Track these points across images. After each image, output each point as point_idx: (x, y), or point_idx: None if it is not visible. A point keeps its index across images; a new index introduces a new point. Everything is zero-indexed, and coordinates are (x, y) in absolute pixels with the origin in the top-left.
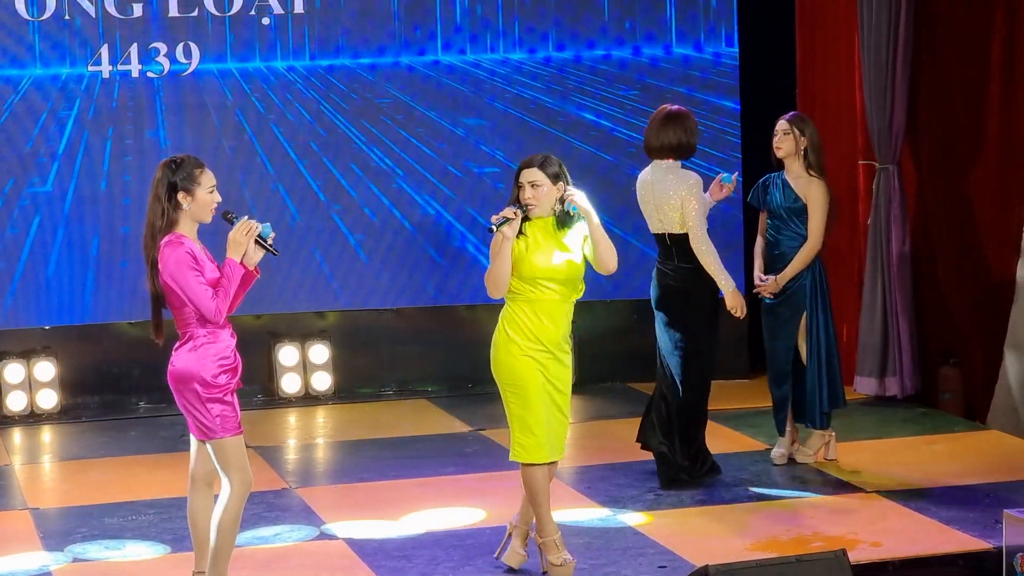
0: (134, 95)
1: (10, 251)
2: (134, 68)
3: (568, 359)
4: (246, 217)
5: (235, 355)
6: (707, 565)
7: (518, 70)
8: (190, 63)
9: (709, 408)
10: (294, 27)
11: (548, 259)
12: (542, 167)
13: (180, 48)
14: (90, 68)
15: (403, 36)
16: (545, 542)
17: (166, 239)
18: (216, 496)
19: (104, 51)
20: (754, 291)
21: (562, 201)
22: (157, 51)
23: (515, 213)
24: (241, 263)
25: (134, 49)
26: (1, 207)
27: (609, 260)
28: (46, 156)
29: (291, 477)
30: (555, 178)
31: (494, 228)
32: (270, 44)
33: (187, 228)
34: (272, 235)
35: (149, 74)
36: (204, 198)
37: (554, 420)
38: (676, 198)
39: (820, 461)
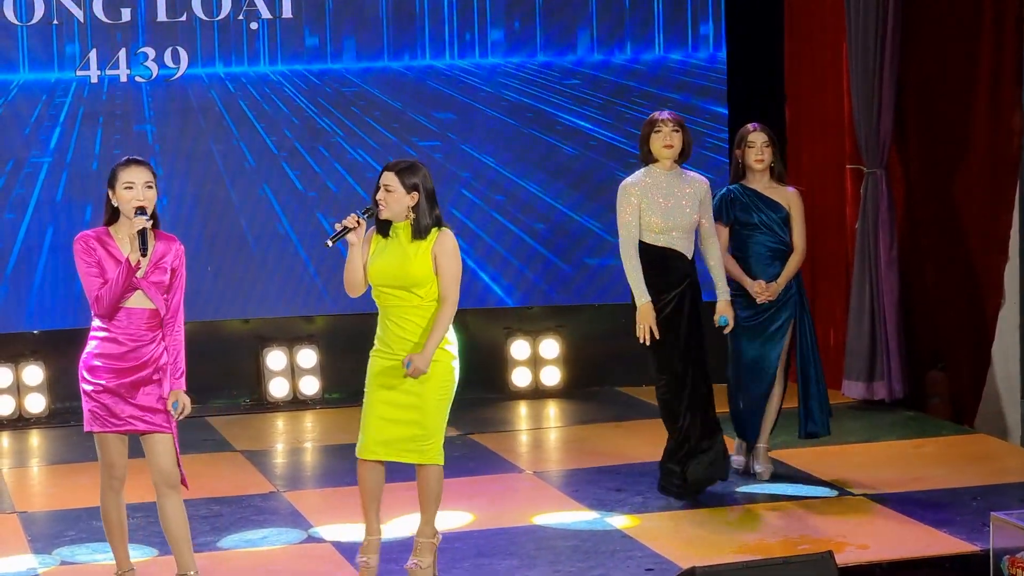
0: (122, 99)
1: None
2: (122, 73)
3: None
4: (143, 218)
5: (130, 358)
6: (693, 567)
7: (507, 75)
8: (178, 67)
9: None
10: (282, 32)
11: (388, 266)
12: (399, 173)
13: (168, 53)
14: (78, 73)
15: (392, 40)
16: (367, 540)
17: (79, 235)
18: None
19: (92, 55)
20: (758, 300)
21: None
22: (145, 56)
23: (358, 221)
24: (127, 259)
25: (122, 54)
26: None
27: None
28: (34, 160)
29: (279, 481)
30: (411, 188)
31: (330, 243)
32: (258, 49)
33: (123, 226)
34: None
35: (137, 78)
36: (121, 194)
37: (389, 421)
38: None
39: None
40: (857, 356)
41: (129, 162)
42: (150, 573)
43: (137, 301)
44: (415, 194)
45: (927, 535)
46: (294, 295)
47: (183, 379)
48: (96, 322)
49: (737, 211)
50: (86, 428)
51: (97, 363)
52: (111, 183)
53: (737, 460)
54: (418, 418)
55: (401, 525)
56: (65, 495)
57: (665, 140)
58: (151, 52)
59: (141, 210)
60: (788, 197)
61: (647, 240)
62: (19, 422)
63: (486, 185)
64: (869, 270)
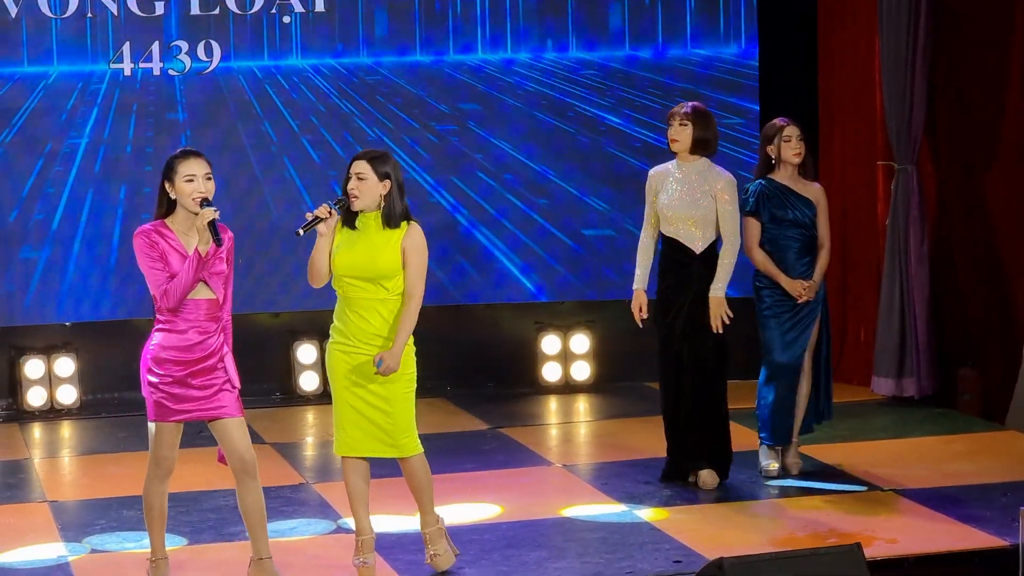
0: (155, 92)
1: (31, 247)
2: (155, 66)
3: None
4: (211, 208)
5: (197, 350)
6: (722, 557)
7: (537, 69)
8: (211, 61)
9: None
10: (315, 25)
11: (356, 257)
12: (371, 161)
13: (201, 46)
14: (112, 65)
15: (423, 35)
16: (360, 540)
17: (139, 228)
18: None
19: (126, 48)
20: (800, 299)
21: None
22: (179, 49)
23: (329, 212)
24: (196, 250)
25: (156, 47)
26: (22, 204)
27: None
28: (67, 153)
29: (308, 473)
30: (383, 176)
31: (300, 232)
32: (291, 42)
33: (181, 218)
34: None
35: (171, 72)
36: (182, 187)
37: (362, 418)
38: None
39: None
40: (887, 352)
41: (187, 154)
42: (180, 561)
43: (199, 292)
44: (387, 182)
45: (956, 530)
46: (325, 288)
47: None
48: (160, 315)
49: (773, 207)
50: (150, 418)
51: (165, 355)
52: (168, 175)
53: (766, 464)
54: (388, 412)
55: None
56: (96, 485)
57: (670, 134)
58: (184, 45)
59: (206, 201)
60: (815, 192)
61: (662, 230)
62: (50, 413)
63: (519, 180)
64: (899, 267)
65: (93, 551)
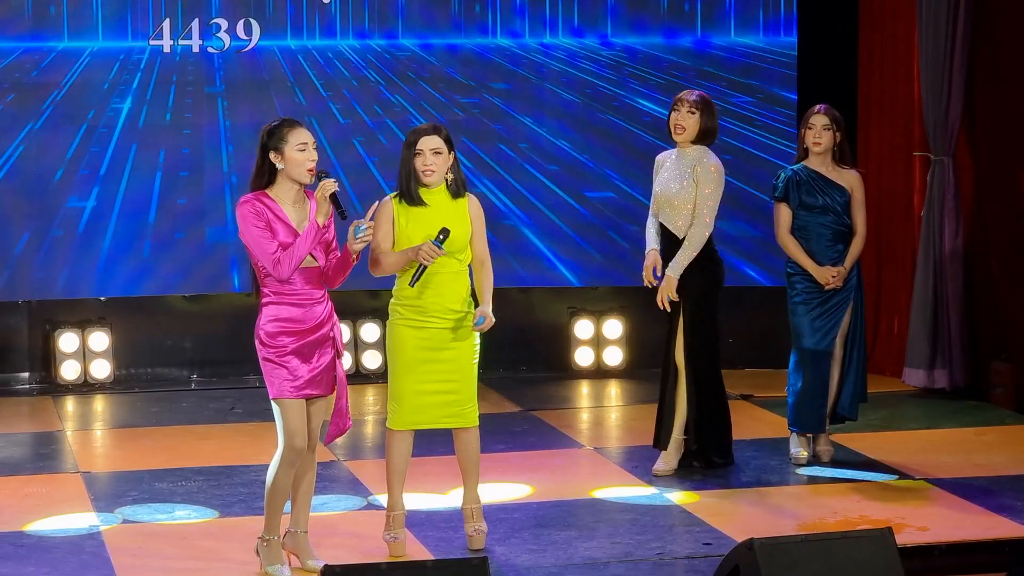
0: (194, 70)
1: (68, 222)
2: (195, 43)
3: (459, 327)
4: (332, 180)
5: (308, 318)
6: (752, 539)
7: (576, 55)
8: (250, 39)
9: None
10: (354, 5)
11: (424, 237)
12: (443, 135)
13: (241, 24)
14: (151, 42)
15: (462, 17)
16: (387, 515)
17: (242, 198)
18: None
19: (166, 25)
20: (827, 286)
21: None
22: (218, 27)
23: (438, 254)
24: (315, 221)
25: (195, 24)
26: (59, 179)
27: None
28: (105, 129)
29: (339, 451)
30: (451, 147)
31: (414, 284)
32: (330, 22)
33: (283, 188)
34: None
35: (210, 49)
36: (293, 156)
37: (430, 390)
38: None
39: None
40: (919, 344)
41: (294, 123)
42: (210, 533)
43: (308, 261)
44: (453, 153)
45: (987, 519)
46: (359, 270)
47: None
48: (266, 288)
49: (803, 193)
50: (272, 395)
51: (275, 328)
52: (275, 145)
53: (795, 452)
54: (457, 382)
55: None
56: (129, 457)
57: (675, 120)
58: (224, 23)
59: (324, 173)
60: (851, 180)
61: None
62: (84, 387)
63: (555, 165)
64: (933, 258)
65: (125, 521)
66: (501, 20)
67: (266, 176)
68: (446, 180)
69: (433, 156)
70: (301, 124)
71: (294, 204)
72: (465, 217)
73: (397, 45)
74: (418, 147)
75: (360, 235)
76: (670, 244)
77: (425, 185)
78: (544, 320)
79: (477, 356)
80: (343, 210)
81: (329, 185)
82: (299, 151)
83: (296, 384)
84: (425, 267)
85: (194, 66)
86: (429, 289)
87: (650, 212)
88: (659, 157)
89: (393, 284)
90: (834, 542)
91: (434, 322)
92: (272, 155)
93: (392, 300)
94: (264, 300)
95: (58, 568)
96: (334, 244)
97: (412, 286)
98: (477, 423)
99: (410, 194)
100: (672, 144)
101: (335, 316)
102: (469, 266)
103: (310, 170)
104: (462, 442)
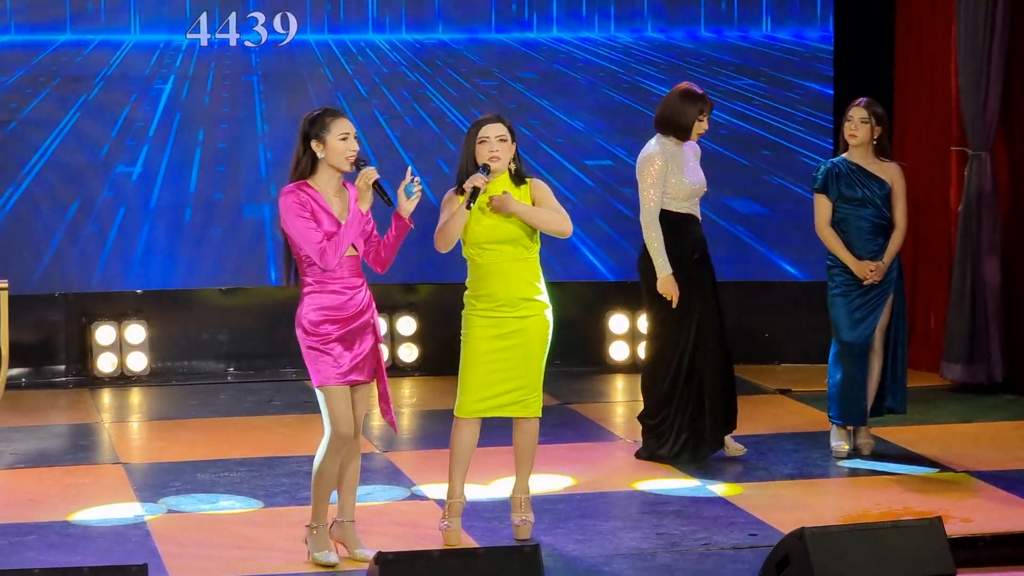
0: (231, 64)
1: (104, 216)
2: (232, 37)
3: (531, 316)
4: (373, 168)
5: (349, 306)
6: (803, 527)
7: (613, 50)
8: (287, 33)
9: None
10: (391, 0)
11: (496, 222)
12: (506, 123)
13: (278, 18)
14: (188, 36)
15: (499, 12)
16: (450, 503)
17: (284, 188)
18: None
19: (203, 19)
20: (866, 281)
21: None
22: (255, 20)
23: (485, 181)
24: (357, 208)
25: (232, 18)
26: (97, 172)
27: (555, 229)
28: (142, 123)
29: (378, 442)
30: (514, 136)
31: (470, 207)
32: (367, 16)
33: (324, 178)
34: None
35: (247, 43)
36: (335, 145)
37: (499, 379)
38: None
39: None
40: (957, 339)
41: (335, 112)
42: (255, 523)
43: (349, 249)
44: (515, 143)
45: None
46: (395, 263)
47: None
48: (307, 277)
49: (842, 186)
50: (316, 383)
51: (318, 316)
52: (317, 134)
53: (836, 446)
54: (524, 372)
55: (504, 487)
56: (168, 448)
57: (704, 128)
58: (261, 17)
59: (363, 161)
60: (891, 173)
61: (671, 208)
62: (120, 380)
63: (590, 159)
64: (971, 253)
65: (169, 511)
66: (538, 14)
67: (307, 165)
68: (509, 169)
69: (499, 143)
70: (343, 114)
71: (335, 194)
72: (528, 203)
73: (434, 39)
74: (483, 134)
75: (411, 195)
76: (699, 230)
77: (498, 169)
78: (578, 314)
79: (547, 346)
80: (387, 197)
81: (371, 173)
82: (341, 140)
83: (341, 371)
84: (476, 191)
85: (231, 60)
86: (496, 278)
87: (653, 213)
88: (657, 153)
89: (464, 278)
90: (883, 532)
91: (505, 312)
92: (314, 143)
93: (466, 292)
94: (306, 289)
95: (105, 557)
96: (374, 234)
97: (469, 208)
98: (540, 414)
99: (461, 182)
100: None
101: (374, 304)
102: (539, 253)
103: (350, 159)
104: (523, 432)
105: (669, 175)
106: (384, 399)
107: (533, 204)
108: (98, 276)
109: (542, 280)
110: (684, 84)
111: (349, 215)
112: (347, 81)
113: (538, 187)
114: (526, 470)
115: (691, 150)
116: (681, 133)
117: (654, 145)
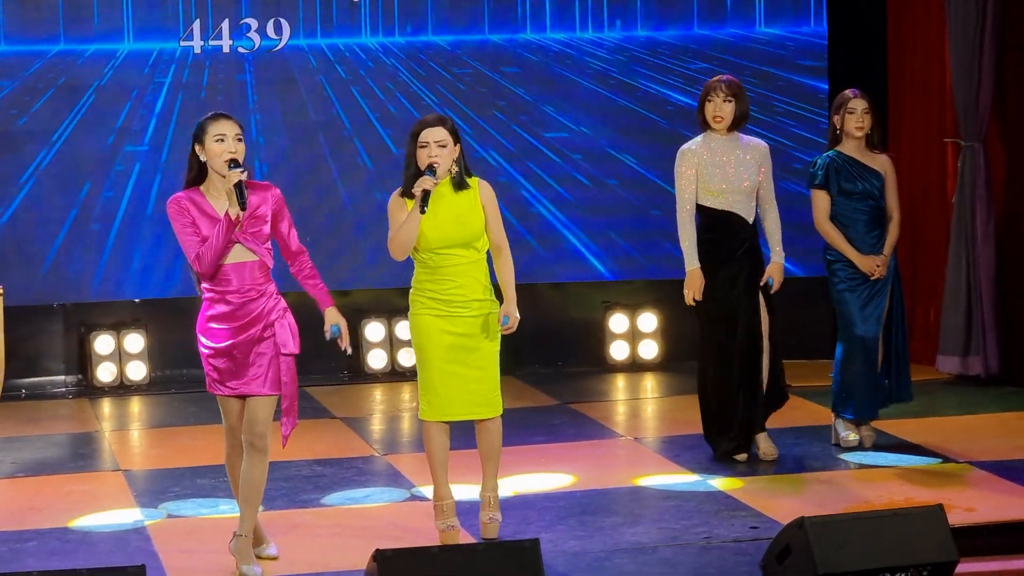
0: (225, 70)
1: (101, 225)
2: (225, 43)
3: (483, 316)
4: (238, 170)
5: (238, 316)
6: (803, 517)
7: (606, 47)
8: (280, 39)
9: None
10: (384, 4)
11: (447, 225)
12: (448, 127)
13: (271, 24)
14: (182, 43)
15: (491, 13)
16: (436, 505)
17: (172, 196)
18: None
19: (196, 26)
20: (873, 276)
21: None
22: (248, 27)
23: (433, 183)
24: (226, 214)
25: (225, 24)
26: (92, 183)
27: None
28: (137, 131)
29: (377, 445)
30: (456, 139)
31: (424, 211)
32: (360, 21)
33: (213, 183)
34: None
35: (240, 49)
36: (212, 147)
37: (460, 381)
38: None
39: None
40: (952, 331)
41: (217, 116)
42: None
43: (240, 255)
44: (458, 145)
45: None
46: (394, 267)
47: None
48: (204, 283)
49: (842, 180)
50: (208, 390)
51: (211, 325)
52: (198, 137)
53: (845, 435)
54: (483, 371)
55: (504, 486)
56: (167, 455)
57: (715, 111)
58: (254, 23)
59: (234, 163)
60: (884, 164)
61: (707, 203)
62: (120, 389)
63: (587, 159)
64: (966, 244)
65: (169, 516)
66: (530, 14)
67: (195, 171)
68: (450, 172)
69: (438, 148)
70: (225, 116)
71: (222, 197)
72: (476, 207)
73: (427, 42)
74: (423, 139)
75: (335, 335)
76: (745, 230)
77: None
78: (578, 314)
79: (499, 342)
80: (242, 200)
81: (232, 176)
82: (216, 142)
83: (222, 381)
84: (427, 194)
85: (225, 66)
86: (448, 281)
87: (685, 210)
88: (690, 150)
89: None
90: (885, 519)
91: (459, 312)
92: (197, 147)
93: (412, 291)
94: (203, 296)
95: (105, 561)
96: (289, 234)
97: (423, 212)
98: (501, 411)
99: (407, 186)
100: (694, 132)
101: (280, 313)
102: (488, 254)
103: (227, 161)
104: (486, 431)
105: (701, 170)
106: (286, 412)
107: (482, 207)
108: (96, 286)
109: (489, 280)
110: None
111: (220, 221)
112: (341, 85)
113: (487, 192)
114: (492, 468)
115: (744, 147)
116: (704, 124)
117: (692, 141)
